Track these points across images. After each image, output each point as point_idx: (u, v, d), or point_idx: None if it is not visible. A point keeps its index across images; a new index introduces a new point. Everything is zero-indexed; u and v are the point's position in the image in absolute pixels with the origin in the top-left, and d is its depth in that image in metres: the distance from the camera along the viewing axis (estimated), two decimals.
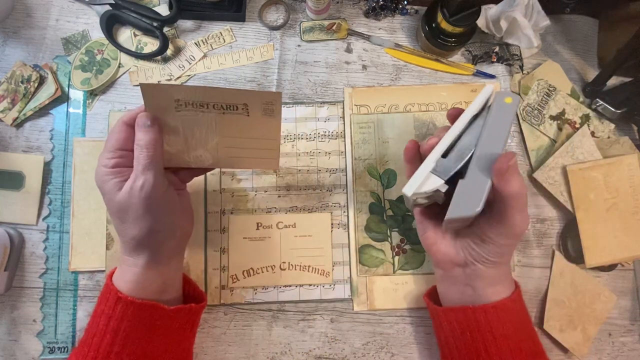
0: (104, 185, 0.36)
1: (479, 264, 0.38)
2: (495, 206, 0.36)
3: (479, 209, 0.34)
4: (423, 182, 0.36)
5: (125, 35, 0.52)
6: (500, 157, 0.33)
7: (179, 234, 0.40)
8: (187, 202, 0.42)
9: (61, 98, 0.50)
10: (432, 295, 0.44)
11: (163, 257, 0.38)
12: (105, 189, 0.36)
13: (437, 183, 0.36)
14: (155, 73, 0.51)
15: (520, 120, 0.52)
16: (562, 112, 0.52)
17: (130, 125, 0.37)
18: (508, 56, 0.52)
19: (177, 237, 0.39)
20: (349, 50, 0.53)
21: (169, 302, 0.39)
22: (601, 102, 0.52)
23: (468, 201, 0.34)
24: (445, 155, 0.37)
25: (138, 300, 0.36)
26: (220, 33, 0.53)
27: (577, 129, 0.51)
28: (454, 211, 0.35)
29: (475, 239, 0.38)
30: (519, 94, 0.53)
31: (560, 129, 0.52)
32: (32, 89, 0.49)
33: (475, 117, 0.38)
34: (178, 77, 0.51)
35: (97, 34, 0.52)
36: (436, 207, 0.41)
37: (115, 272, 0.39)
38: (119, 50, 0.51)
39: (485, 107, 0.38)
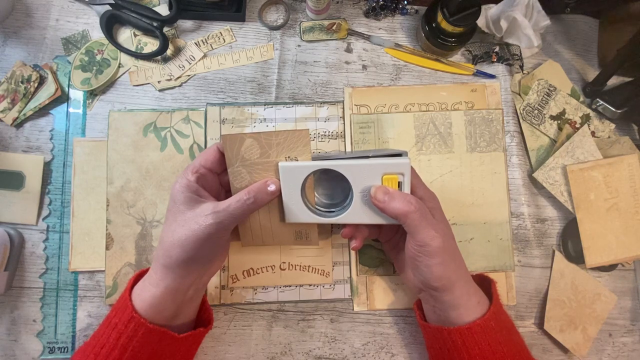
0: (178, 194, 0.37)
1: (430, 290, 0.39)
2: (406, 229, 0.38)
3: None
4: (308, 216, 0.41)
5: (125, 35, 0.52)
6: (372, 198, 0.38)
7: (208, 269, 0.40)
8: (228, 241, 0.42)
9: (61, 98, 0.50)
10: (421, 305, 0.44)
11: (184, 286, 0.38)
12: (178, 198, 0.37)
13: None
14: (155, 73, 0.51)
15: (521, 120, 0.52)
16: (563, 112, 0.52)
17: (222, 153, 0.40)
18: (508, 56, 0.52)
19: (205, 271, 0.40)
20: (349, 50, 0.53)
21: (179, 328, 0.39)
22: (601, 102, 0.52)
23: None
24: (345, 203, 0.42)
25: (150, 325, 0.36)
26: (220, 33, 0.53)
27: (578, 128, 0.51)
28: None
29: (413, 266, 0.39)
30: (520, 94, 0.53)
31: (560, 128, 0.52)
32: (32, 89, 0.49)
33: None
34: (178, 77, 0.51)
35: (97, 34, 0.52)
36: (395, 239, 0.44)
37: (138, 284, 0.39)
38: (119, 50, 0.51)
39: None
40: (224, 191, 0.42)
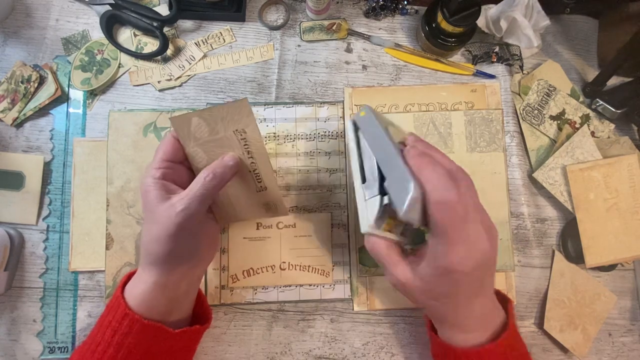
0: (147, 194, 0.36)
1: (432, 301, 0.36)
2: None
3: (412, 186, 0.33)
4: (368, 212, 0.37)
5: (125, 35, 0.52)
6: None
7: (197, 261, 0.40)
8: (215, 231, 0.42)
9: (61, 98, 0.50)
10: None
11: (172, 281, 0.38)
12: (147, 198, 0.36)
13: (376, 201, 0.36)
14: (155, 73, 0.51)
15: (520, 120, 0.52)
16: (562, 112, 0.52)
17: (178, 140, 0.38)
18: (508, 56, 0.52)
19: (194, 264, 0.39)
20: (349, 50, 0.53)
21: (174, 324, 0.39)
22: (601, 102, 0.52)
23: (400, 192, 0.34)
24: (364, 181, 0.38)
25: (144, 321, 0.36)
26: (220, 33, 0.53)
27: (577, 129, 0.51)
28: (399, 204, 0.34)
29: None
30: (519, 94, 0.53)
31: (560, 129, 0.52)
32: (32, 89, 0.49)
33: (358, 144, 0.40)
34: (178, 77, 0.51)
35: (97, 34, 0.52)
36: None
37: (130, 282, 0.39)
38: (119, 50, 0.51)
39: (357, 132, 0.40)
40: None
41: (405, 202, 0.33)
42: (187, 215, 0.35)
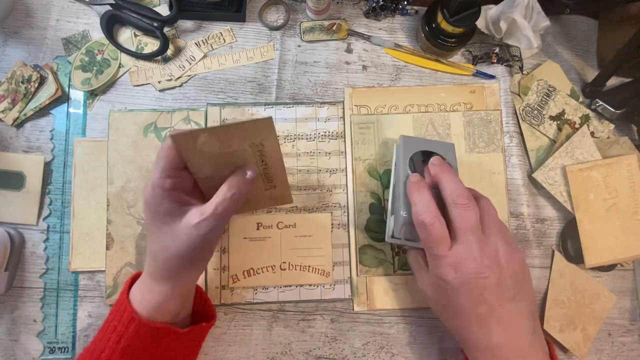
0: (158, 207, 0.34)
1: (438, 308, 0.39)
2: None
3: (403, 212, 0.40)
4: (390, 225, 0.44)
5: (126, 36, 0.52)
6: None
7: (205, 263, 0.40)
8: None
9: (61, 98, 0.50)
10: None
11: (184, 288, 0.38)
12: (159, 210, 0.34)
13: (393, 219, 0.43)
14: (156, 73, 0.51)
15: (520, 121, 0.52)
16: (562, 113, 0.52)
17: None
18: (508, 57, 0.53)
19: (204, 266, 0.40)
20: (349, 50, 0.53)
21: (181, 323, 0.39)
22: (601, 103, 0.52)
23: (396, 216, 0.41)
24: (393, 200, 0.45)
25: (152, 324, 0.36)
26: (221, 33, 0.53)
27: (577, 129, 0.51)
28: (395, 225, 0.42)
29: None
30: (519, 95, 0.53)
31: (560, 129, 0.52)
32: (33, 89, 0.49)
33: (396, 166, 0.46)
34: (178, 77, 0.51)
35: (97, 34, 0.52)
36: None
37: (134, 289, 0.38)
38: (119, 51, 0.51)
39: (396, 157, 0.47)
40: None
41: (395, 227, 0.42)
42: (213, 233, 0.35)
